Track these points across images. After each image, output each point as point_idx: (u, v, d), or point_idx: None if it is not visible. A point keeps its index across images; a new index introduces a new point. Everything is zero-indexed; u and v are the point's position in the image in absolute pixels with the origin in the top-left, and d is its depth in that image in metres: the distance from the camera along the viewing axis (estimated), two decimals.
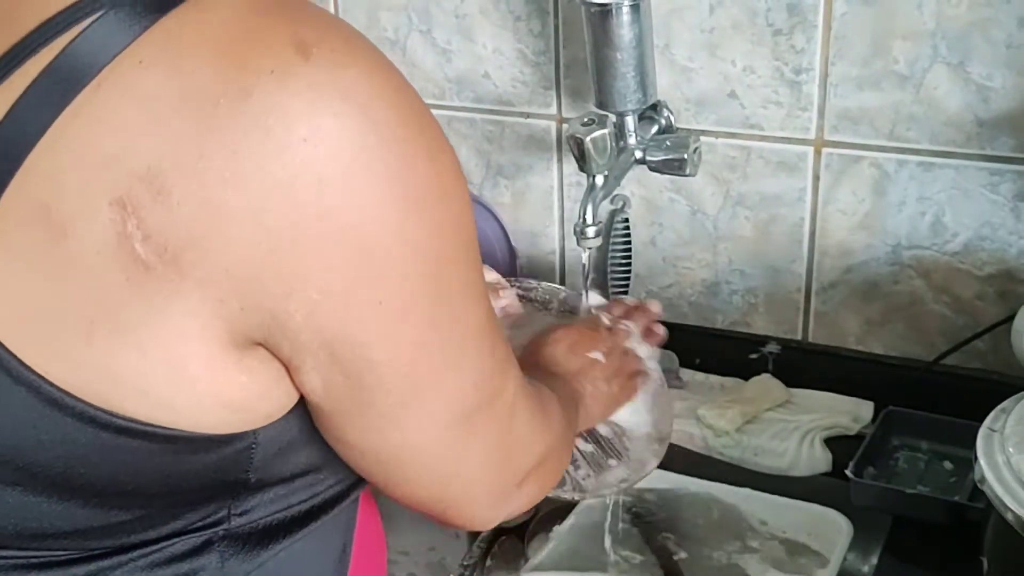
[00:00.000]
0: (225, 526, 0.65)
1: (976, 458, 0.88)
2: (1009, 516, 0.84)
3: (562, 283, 1.39)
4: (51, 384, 0.57)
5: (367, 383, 0.61)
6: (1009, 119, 1.10)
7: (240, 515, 0.65)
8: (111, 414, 0.57)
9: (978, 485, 0.88)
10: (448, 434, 0.67)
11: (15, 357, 0.56)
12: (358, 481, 0.71)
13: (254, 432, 0.62)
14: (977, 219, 1.15)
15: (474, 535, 1.20)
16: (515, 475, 0.74)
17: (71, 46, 0.55)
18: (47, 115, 0.54)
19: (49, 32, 0.55)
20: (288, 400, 0.63)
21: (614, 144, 1.14)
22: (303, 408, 0.64)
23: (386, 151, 0.57)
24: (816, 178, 1.20)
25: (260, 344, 0.59)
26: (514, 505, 0.76)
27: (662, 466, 1.15)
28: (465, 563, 1.10)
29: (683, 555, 1.05)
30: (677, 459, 1.18)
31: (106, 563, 0.63)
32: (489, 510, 0.74)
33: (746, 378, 1.28)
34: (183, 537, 0.64)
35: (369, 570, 0.78)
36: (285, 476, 0.66)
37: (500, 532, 1.19)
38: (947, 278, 1.18)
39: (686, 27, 1.20)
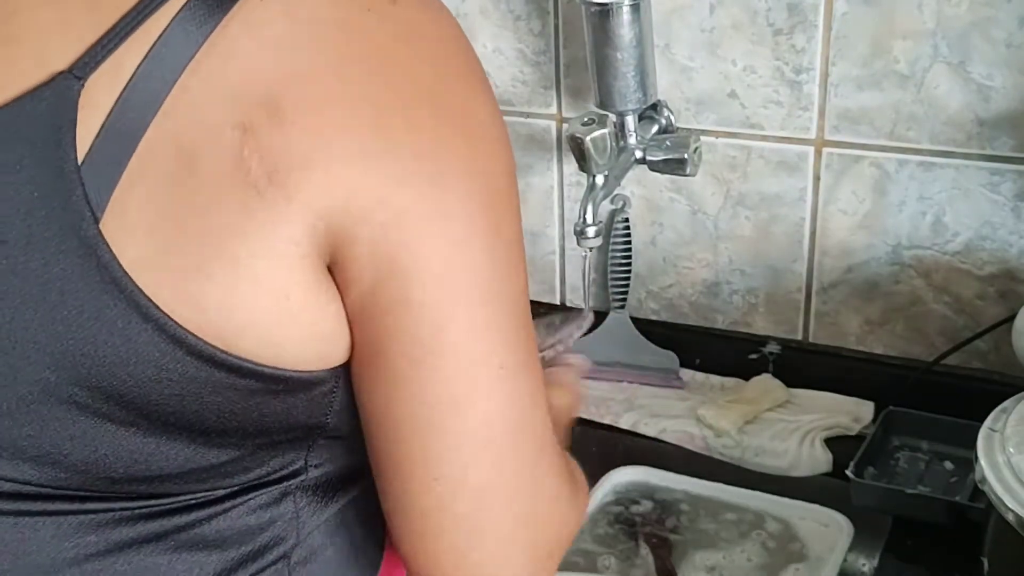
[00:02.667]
0: (302, 477, 0.69)
1: (977, 458, 0.88)
2: (1010, 516, 0.84)
3: (562, 284, 1.39)
4: (176, 323, 0.59)
5: (396, 328, 0.62)
6: (1009, 119, 1.10)
7: (316, 466, 0.69)
8: (227, 353, 0.61)
9: (979, 485, 0.88)
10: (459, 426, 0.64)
11: (145, 295, 0.59)
12: None
13: (336, 375, 0.65)
14: (978, 219, 1.15)
15: None
16: (543, 538, 0.69)
17: None
18: (183, 55, 0.59)
19: None
20: None
21: (614, 144, 1.14)
22: None
23: (460, 84, 0.64)
24: (816, 178, 1.20)
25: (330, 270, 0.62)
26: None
27: (662, 466, 1.16)
28: None
29: (681, 555, 1.05)
30: (677, 459, 1.18)
31: (202, 513, 0.66)
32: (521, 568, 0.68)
33: (746, 378, 1.28)
34: (266, 489, 0.67)
35: None
36: (356, 425, 0.67)
37: None
38: (947, 278, 1.18)
39: (686, 27, 1.20)
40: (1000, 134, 1.11)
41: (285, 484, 0.69)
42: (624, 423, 1.24)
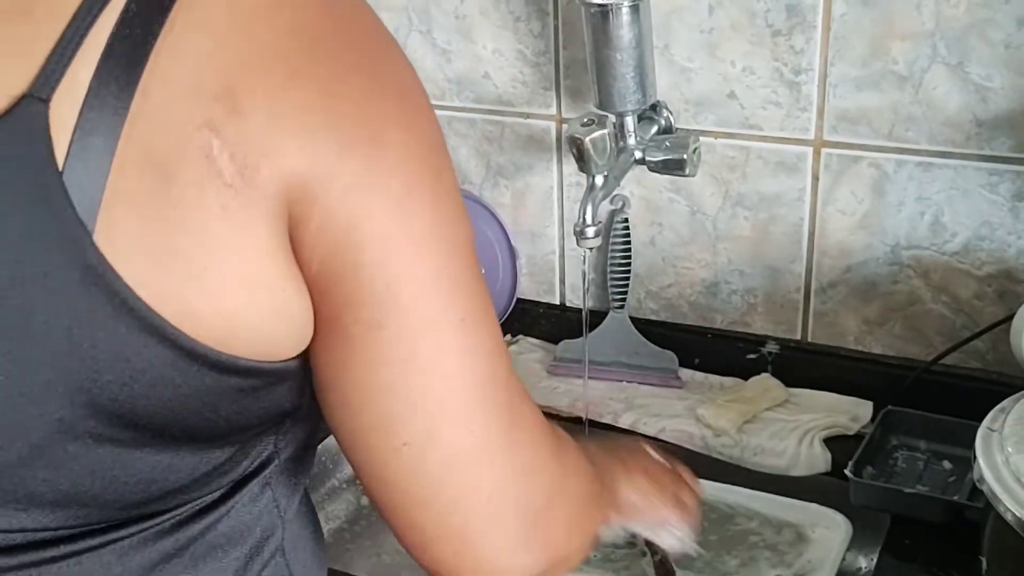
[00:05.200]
0: (276, 463, 0.68)
1: (975, 458, 0.89)
2: (1008, 516, 0.84)
3: (562, 284, 1.39)
4: (190, 337, 0.58)
5: (351, 294, 0.61)
6: (1008, 119, 1.10)
7: (283, 448, 0.68)
8: (234, 357, 0.60)
9: (977, 485, 0.88)
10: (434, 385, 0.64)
11: (158, 315, 0.57)
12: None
13: (306, 355, 0.64)
14: (976, 219, 1.15)
15: None
16: (531, 492, 0.67)
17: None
18: (136, 61, 0.57)
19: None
20: None
21: (614, 144, 1.14)
22: None
23: (382, 45, 0.64)
24: (815, 178, 1.21)
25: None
26: (533, 553, 0.68)
27: None
28: None
29: (681, 553, 1.05)
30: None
31: (209, 518, 0.66)
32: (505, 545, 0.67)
33: (745, 378, 1.28)
34: (251, 481, 0.67)
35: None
36: (311, 397, 0.68)
37: None
38: (946, 278, 1.18)
39: (686, 27, 1.21)
40: (998, 134, 1.11)
41: (264, 473, 0.68)
42: (624, 422, 1.24)
